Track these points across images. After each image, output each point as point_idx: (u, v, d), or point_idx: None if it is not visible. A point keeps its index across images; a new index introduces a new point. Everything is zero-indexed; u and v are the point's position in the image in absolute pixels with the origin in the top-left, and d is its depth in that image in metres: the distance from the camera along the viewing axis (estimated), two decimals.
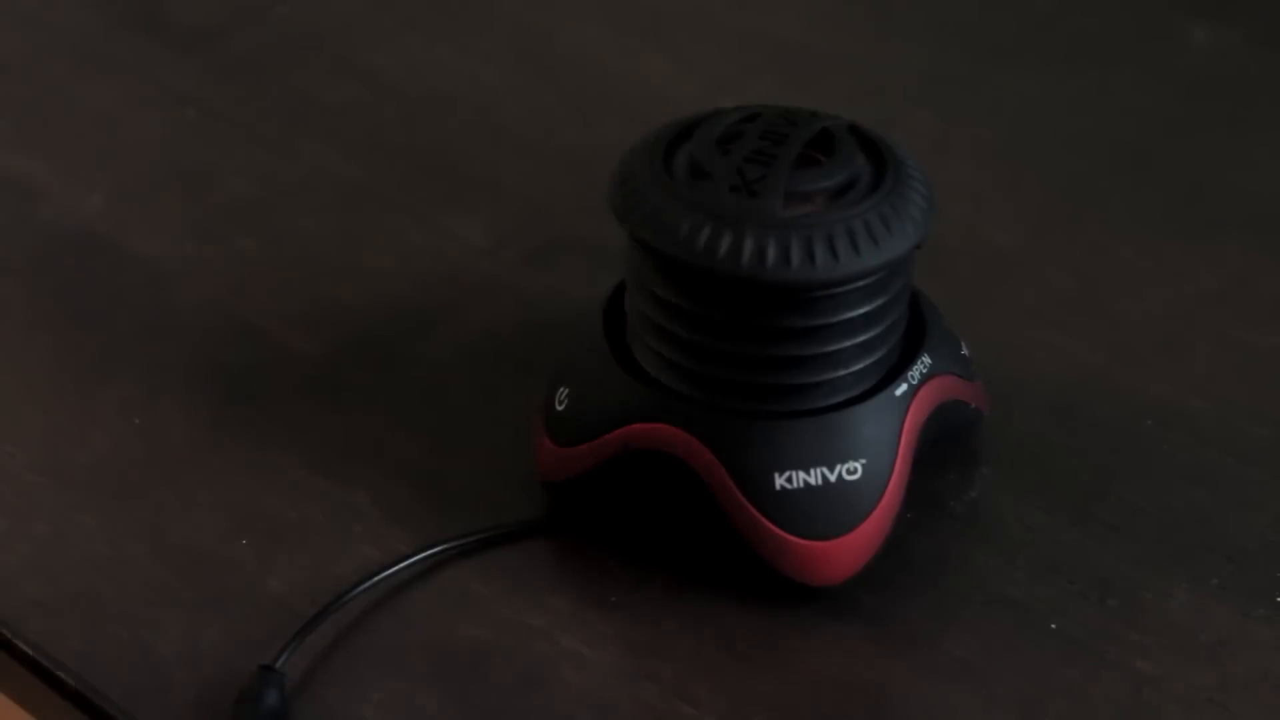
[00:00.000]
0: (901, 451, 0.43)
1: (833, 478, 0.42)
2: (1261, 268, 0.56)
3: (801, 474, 0.42)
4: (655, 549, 0.45)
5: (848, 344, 0.43)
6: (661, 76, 0.65)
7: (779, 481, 0.42)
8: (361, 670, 0.43)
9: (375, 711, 0.42)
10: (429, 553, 0.45)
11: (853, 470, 0.42)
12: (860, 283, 0.42)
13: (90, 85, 0.64)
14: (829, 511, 0.43)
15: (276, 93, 0.64)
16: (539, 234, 0.57)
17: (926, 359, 0.45)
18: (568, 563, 0.46)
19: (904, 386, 0.44)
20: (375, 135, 0.62)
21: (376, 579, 0.44)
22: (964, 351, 0.47)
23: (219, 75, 0.65)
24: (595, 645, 0.44)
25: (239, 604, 0.44)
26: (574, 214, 0.57)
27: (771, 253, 0.41)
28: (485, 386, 0.51)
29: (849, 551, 0.43)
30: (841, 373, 0.43)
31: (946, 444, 0.47)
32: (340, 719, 0.42)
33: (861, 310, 0.42)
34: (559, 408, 0.45)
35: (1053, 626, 0.44)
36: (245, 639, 0.43)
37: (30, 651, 0.43)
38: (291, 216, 0.58)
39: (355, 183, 0.60)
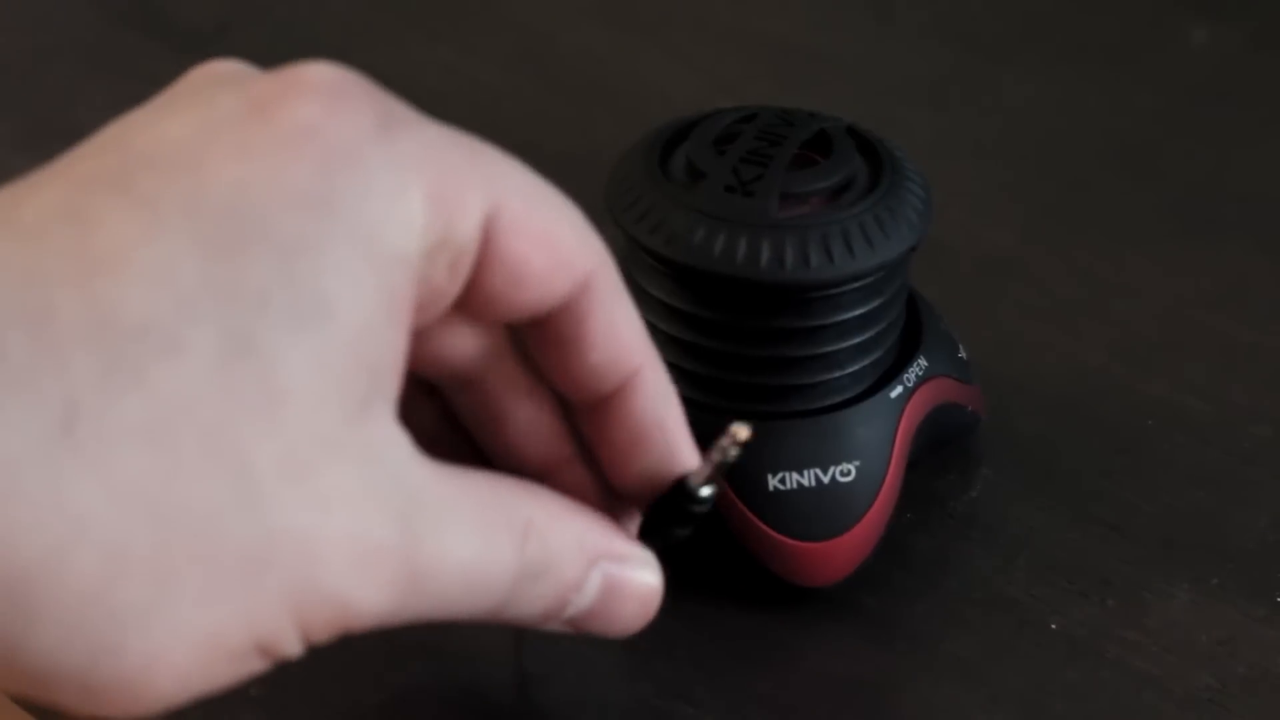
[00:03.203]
0: (896, 454, 0.43)
1: (826, 479, 0.42)
2: (1261, 268, 0.56)
3: (795, 475, 0.42)
4: (654, 549, 0.45)
5: (843, 346, 0.43)
6: (661, 76, 0.65)
7: (773, 482, 0.42)
8: (362, 671, 0.43)
9: (376, 713, 0.42)
10: None
11: (847, 472, 0.42)
12: (855, 284, 0.42)
13: (90, 85, 0.64)
14: (823, 513, 0.42)
15: None
16: None
17: (923, 361, 0.45)
18: None
19: (899, 389, 0.44)
20: None
21: None
22: (961, 354, 0.47)
23: None
24: (595, 645, 0.43)
25: None
26: None
27: (766, 254, 0.41)
28: None
29: (842, 553, 0.43)
30: (836, 374, 0.43)
31: (946, 445, 0.47)
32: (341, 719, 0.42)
33: (857, 312, 0.42)
34: None
35: (1053, 626, 0.44)
36: None
37: None
38: None
39: None
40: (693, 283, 0.42)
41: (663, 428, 0.37)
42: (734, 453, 0.36)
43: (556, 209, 0.34)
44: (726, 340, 0.42)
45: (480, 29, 0.68)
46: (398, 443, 0.31)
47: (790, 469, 0.42)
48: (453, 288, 0.33)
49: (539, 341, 0.36)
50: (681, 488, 0.37)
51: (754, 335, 0.42)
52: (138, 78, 0.65)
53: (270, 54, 0.66)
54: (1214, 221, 0.58)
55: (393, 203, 0.31)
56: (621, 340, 0.35)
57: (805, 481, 0.42)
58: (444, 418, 0.38)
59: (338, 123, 0.31)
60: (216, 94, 0.32)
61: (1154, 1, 0.69)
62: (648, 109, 0.50)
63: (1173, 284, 0.55)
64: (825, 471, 0.42)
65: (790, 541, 0.42)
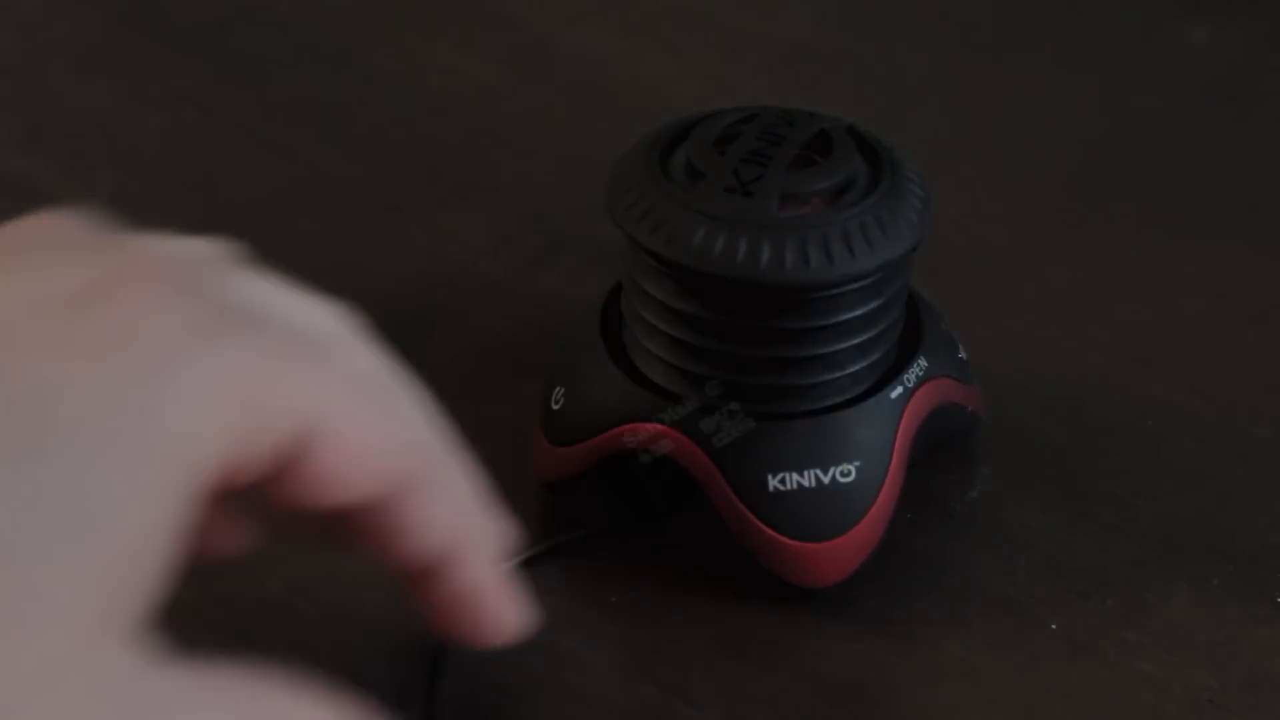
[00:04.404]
0: (896, 454, 0.43)
1: (826, 480, 0.42)
2: (1262, 268, 0.56)
3: (795, 476, 0.42)
4: (655, 549, 0.46)
5: (843, 346, 0.43)
6: (661, 76, 0.65)
7: (773, 483, 0.42)
8: (362, 672, 0.43)
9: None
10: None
11: (847, 473, 0.42)
12: (855, 285, 0.42)
13: (90, 85, 0.64)
14: (823, 514, 0.42)
15: (276, 93, 0.64)
16: (539, 234, 0.57)
17: (923, 362, 0.45)
18: (568, 563, 0.46)
19: (899, 389, 0.44)
20: (375, 135, 0.62)
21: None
22: (961, 355, 0.47)
23: (219, 75, 0.65)
24: (595, 645, 0.44)
25: (240, 605, 0.44)
26: (574, 214, 0.57)
27: (765, 254, 0.41)
28: (484, 387, 0.51)
29: (842, 553, 0.43)
30: (837, 375, 0.43)
31: (946, 445, 0.47)
32: None
33: (857, 312, 0.42)
34: (555, 406, 0.45)
35: (1053, 627, 0.44)
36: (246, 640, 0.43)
37: None
38: (291, 217, 0.58)
39: (355, 183, 0.60)
40: (693, 283, 0.42)
41: (480, 594, 0.37)
42: None
43: (382, 417, 0.34)
44: (726, 340, 0.42)
45: (480, 29, 0.68)
46: (132, 655, 0.31)
47: (790, 469, 0.42)
48: (255, 480, 0.33)
49: (351, 523, 0.36)
50: None
51: (754, 335, 0.42)
52: (138, 78, 0.65)
53: (270, 54, 0.66)
54: (1214, 221, 0.58)
55: (196, 416, 0.31)
56: (437, 527, 0.36)
57: (805, 482, 0.42)
58: None
59: (156, 328, 0.31)
60: (44, 268, 0.32)
61: (1154, 1, 0.70)
62: (648, 109, 0.50)
63: (1173, 284, 0.55)
64: (825, 472, 0.42)
65: (790, 542, 0.42)
